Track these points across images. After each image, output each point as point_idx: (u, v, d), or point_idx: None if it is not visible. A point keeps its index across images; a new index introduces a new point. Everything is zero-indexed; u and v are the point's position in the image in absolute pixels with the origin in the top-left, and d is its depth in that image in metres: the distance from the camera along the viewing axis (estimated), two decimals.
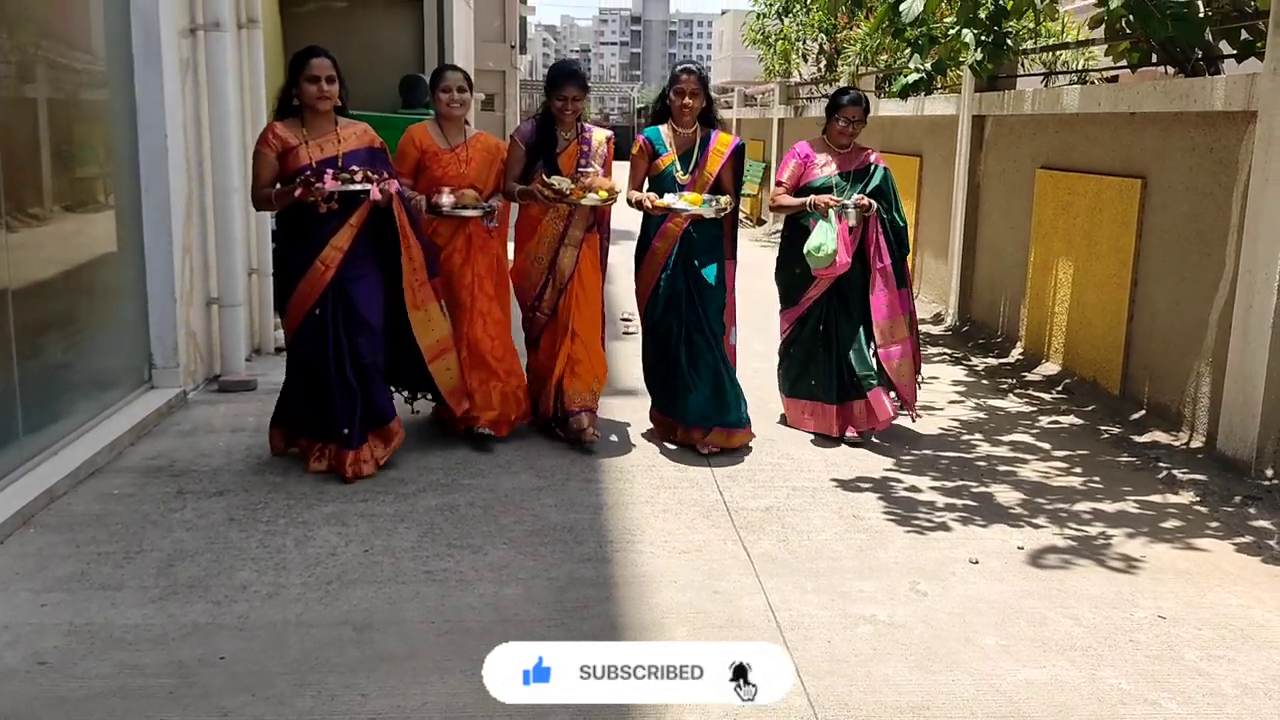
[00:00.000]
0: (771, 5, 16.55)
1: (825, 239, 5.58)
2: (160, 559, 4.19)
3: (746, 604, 3.93)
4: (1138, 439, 6.12)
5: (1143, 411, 6.47)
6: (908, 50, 8.01)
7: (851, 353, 5.83)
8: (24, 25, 5.16)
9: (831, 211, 5.62)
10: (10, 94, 5.08)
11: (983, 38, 6.82)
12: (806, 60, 17.52)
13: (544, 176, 5.38)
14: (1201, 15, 6.00)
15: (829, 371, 5.87)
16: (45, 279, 5.32)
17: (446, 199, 5.35)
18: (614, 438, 5.84)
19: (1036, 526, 4.77)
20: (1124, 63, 7.03)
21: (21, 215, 5.10)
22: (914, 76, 8.09)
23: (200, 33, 6.52)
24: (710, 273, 5.64)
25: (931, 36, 7.37)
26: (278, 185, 5.02)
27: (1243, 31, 6.21)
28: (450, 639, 3.62)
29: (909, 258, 6.09)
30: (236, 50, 6.88)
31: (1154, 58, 6.78)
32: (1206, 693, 3.41)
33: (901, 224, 5.88)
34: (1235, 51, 6.24)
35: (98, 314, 5.88)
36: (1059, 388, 7.23)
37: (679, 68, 5.70)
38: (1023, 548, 4.51)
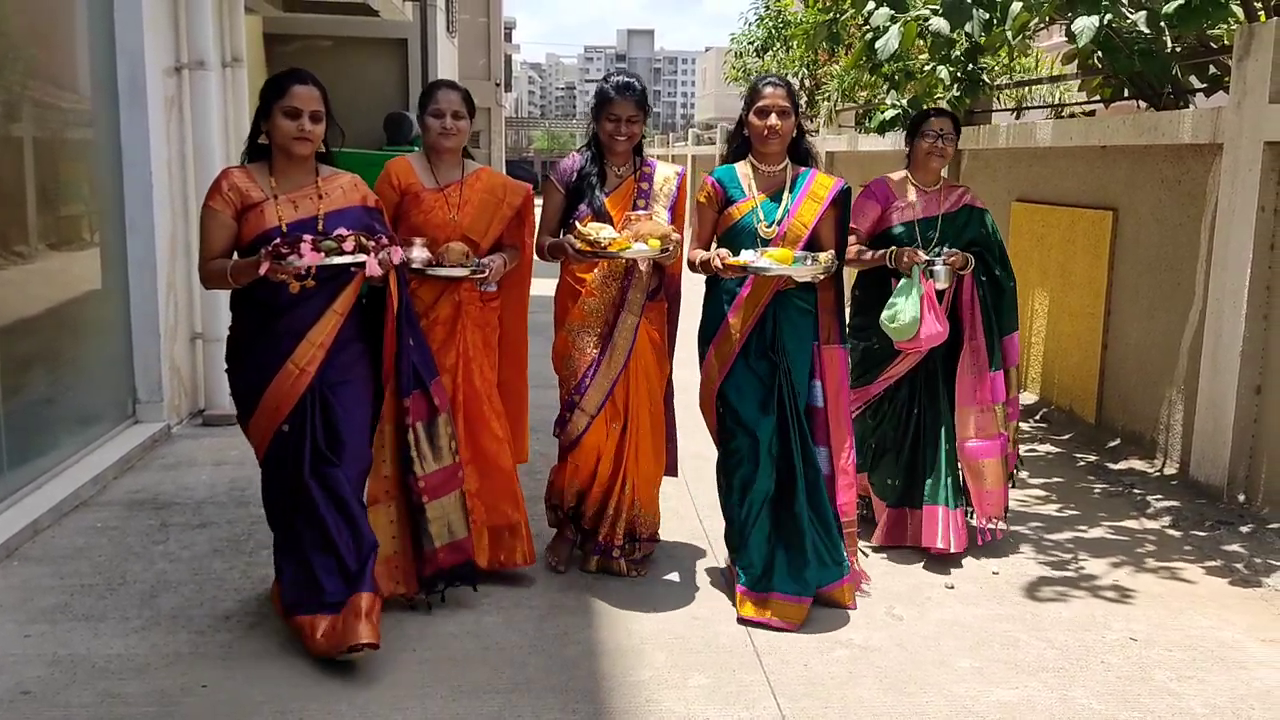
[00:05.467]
0: (751, 42, 16.76)
1: (903, 305, 4.46)
2: (143, 590, 4.21)
3: (724, 629, 3.98)
4: (1113, 466, 6.20)
5: (1118, 439, 6.55)
6: (885, 86, 8.15)
7: (936, 451, 4.74)
8: (10, 65, 5.24)
9: (916, 269, 4.50)
10: None
11: (957, 74, 6.96)
12: None
13: (577, 224, 4.10)
14: (1169, 51, 6.14)
15: (924, 467, 4.75)
16: (30, 315, 5.37)
17: (418, 253, 4.00)
18: None
19: (1012, 552, 4.83)
20: (1098, 97, 7.17)
21: (7, 252, 5.16)
22: (892, 112, 8.20)
23: (185, 71, 6.60)
24: (800, 364, 4.23)
25: (908, 72, 7.50)
26: (234, 256, 3.72)
27: (1210, 66, 6.36)
28: (430, 666, 3.65)
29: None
30: (221, 89, 6.96)
31: (1126, 92, 6.92)
32: (1176, 712, 3.47)
33: (1009, 285, 4.79)
34: (1204, 86, 6.37)
35: (83, 349, 5.92)
36: (1036, 417, 7.31)
37: (762, 80, 4.22)
38: (998, 573, 4.58)
